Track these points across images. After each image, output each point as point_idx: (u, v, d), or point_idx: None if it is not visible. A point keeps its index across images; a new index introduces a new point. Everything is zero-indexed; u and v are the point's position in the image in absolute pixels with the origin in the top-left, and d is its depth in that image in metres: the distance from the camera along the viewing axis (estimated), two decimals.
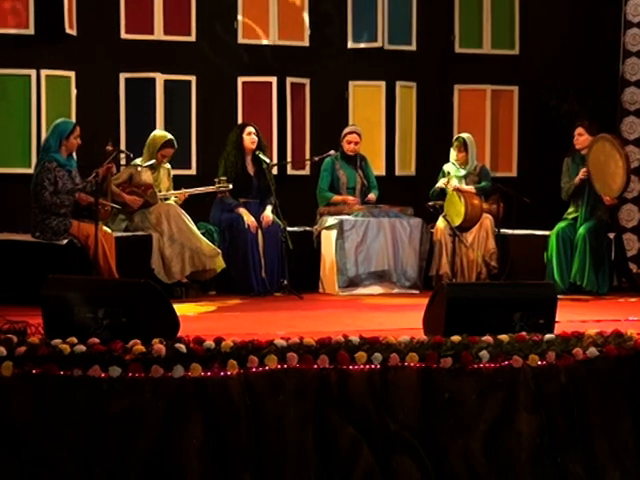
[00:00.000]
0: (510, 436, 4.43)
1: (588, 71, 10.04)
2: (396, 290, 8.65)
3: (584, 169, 8.46)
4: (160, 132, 8.58)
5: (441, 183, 8.98)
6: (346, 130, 9.10)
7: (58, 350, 4.14)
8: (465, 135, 9.11)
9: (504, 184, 8.85)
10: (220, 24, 9.56)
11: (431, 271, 8.86)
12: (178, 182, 8.62)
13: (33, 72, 9.00)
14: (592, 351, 4.64)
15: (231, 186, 8.39)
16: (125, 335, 4.32)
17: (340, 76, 9.91)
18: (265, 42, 9.70)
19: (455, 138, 9.21)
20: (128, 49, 9.33)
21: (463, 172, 9.01)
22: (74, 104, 9.10)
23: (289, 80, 9.75)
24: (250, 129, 8.65)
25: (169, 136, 8.39)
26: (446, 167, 9.12)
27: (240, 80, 9.65)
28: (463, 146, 9.01)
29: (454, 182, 8.98)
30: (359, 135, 9.04)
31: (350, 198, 8.97)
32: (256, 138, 8.63)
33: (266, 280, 8.40)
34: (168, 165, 8.52)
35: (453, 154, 9.09)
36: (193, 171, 9.48)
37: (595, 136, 8.46)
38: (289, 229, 8.37)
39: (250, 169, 8.68)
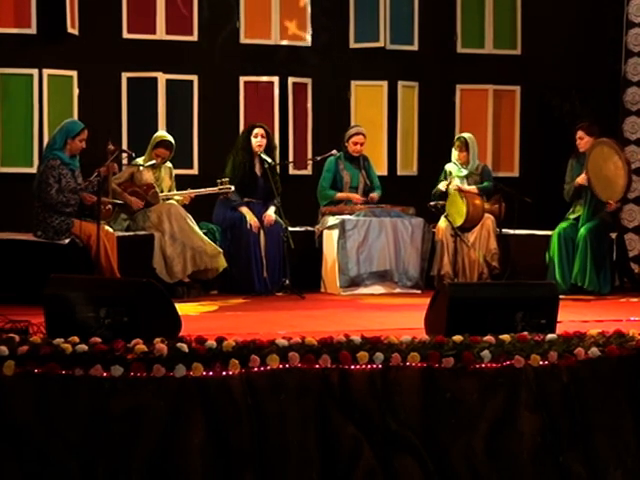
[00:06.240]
0: (512, 436, 4.43)
1: (590, 71, 10.03)
2: (398, 290, 8.65)
3: (584, 175, 8.42)
4: (162, 132, 8.59)
5: (442, 185, 8.97)
6: (351, 131, 9.07)
7: (60, 349, 4.14)
8: (466, 135, 9.12)
9: (506, 184, 8.86)
10: (222, 24, 9.56)
11: (433, 271, 8.86)
12: (180, 182, 8.63)
13: (35, 71, 9.01)
14: (594, 351, 4.64)
15: (233, 188, 8.39)
16: (127, 334, 4.32)
17: (342, 76, 9.91)
18: (267, 42, 9.70)
19: (456, 138, 9.22)
20: (130, 49, 9.34)
21: (465, 172, 9.01)
22: (76, 104, 9.12)
23: (291, 80, 9.75)
24: (257, 131, 8.60)
25: (168, 137, 8.38)
26: (448, 167, 9.12)
27: (242, 80, 9.66)
28: (464, 146, 9.01)
29: (456, 182, 8.98)
30: (364, 136, 9.02)
31: (355, 195, 8.97)
32: (264, 140, 8.57)
33: (268, 280, 8.40)
34: (170, 164, 8.52)
35: (454, 154, 9.09)
36: (195, 171, 9.48)
37: (595, 140, 8.43)
38: (291, 229, 8.37)
39: (258, 170, 8.66)
